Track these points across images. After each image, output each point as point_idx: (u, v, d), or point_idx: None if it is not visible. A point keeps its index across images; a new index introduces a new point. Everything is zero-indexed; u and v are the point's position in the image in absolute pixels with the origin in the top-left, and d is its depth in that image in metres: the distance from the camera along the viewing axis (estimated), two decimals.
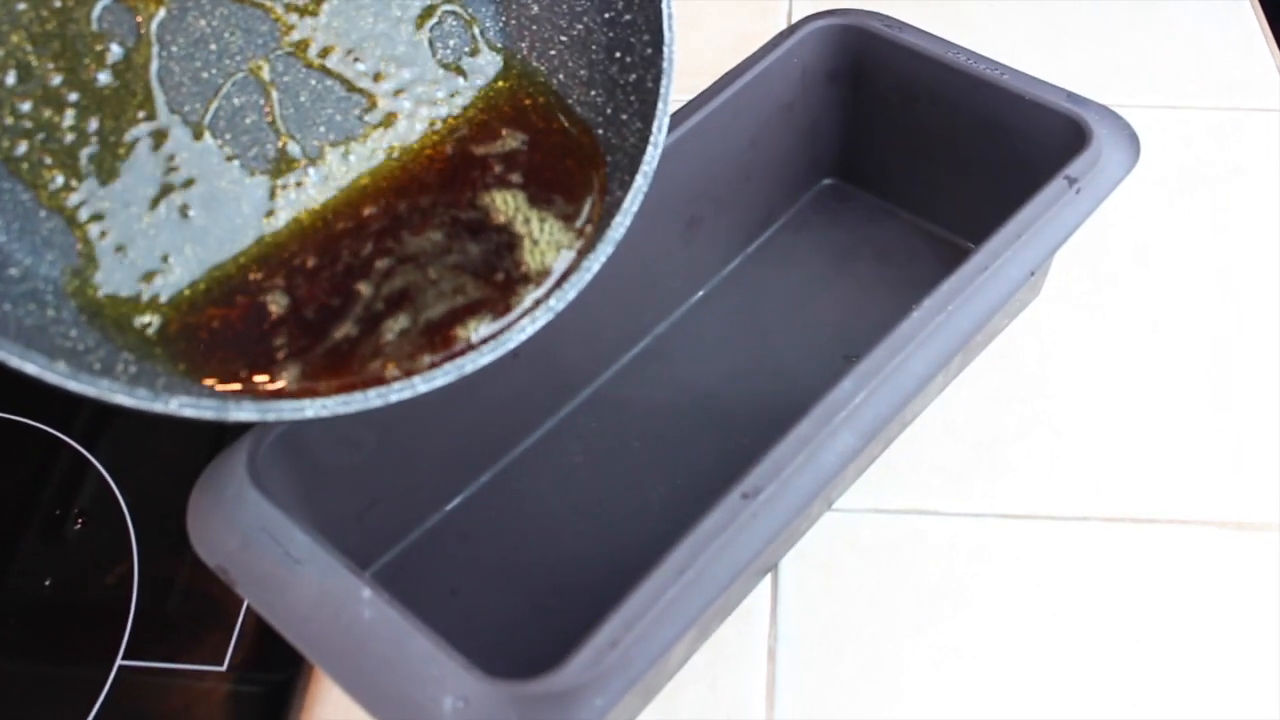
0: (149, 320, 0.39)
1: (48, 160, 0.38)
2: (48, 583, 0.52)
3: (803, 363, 0.59)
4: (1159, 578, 0.51)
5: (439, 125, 0.44)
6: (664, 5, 0.43)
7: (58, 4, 0.39)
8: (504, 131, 0.44)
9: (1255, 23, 0.77)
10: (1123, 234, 0.65)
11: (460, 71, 0.45)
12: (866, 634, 0.50)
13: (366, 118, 0.43)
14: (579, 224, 0.42)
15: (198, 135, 0.41)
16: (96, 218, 0.39)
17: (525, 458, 0.55)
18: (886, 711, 0.48)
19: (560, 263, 0.41)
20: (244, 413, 0.35)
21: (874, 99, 0.62)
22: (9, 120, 0.38)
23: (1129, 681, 0.48)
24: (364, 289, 0.40)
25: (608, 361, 0.59)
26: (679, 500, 0.54)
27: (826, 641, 0.50)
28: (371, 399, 0.37)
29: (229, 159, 0.41)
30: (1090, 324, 0.61)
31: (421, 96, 0.44)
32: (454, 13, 0.45)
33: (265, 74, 0.42)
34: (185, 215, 0.40)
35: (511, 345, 0.39)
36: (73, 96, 0.39)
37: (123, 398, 0.33)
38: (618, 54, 0.44)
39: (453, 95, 0.45)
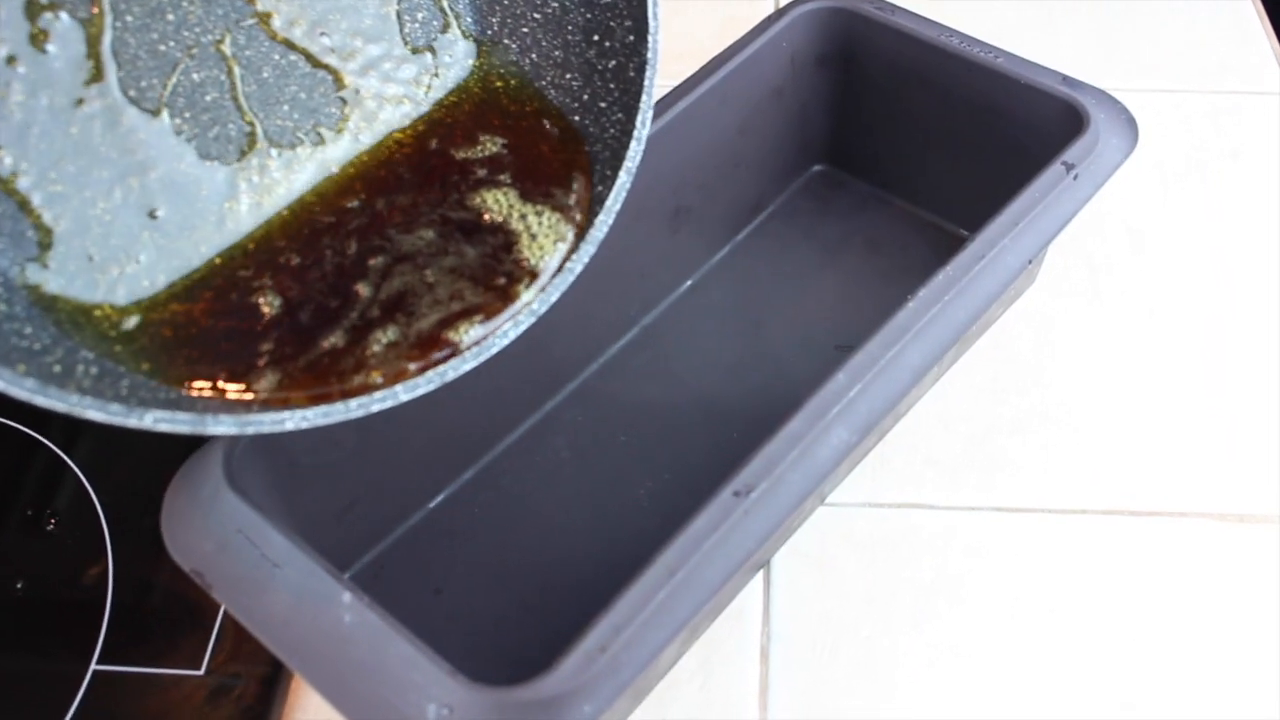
0: (107, 315, 0.37)
1: None
2: (20, 585, 0.51)
3: (793, 353, 0.58)
4: (1158, 572, 0.50)
5: (407, 107, 0.43)
6: None
7: None
8: (482, 136, 0.42)
9: (1251, 5, 0.76)
10: (1118, 220, 0.64)
11: (429, 50, 0.43)
12: (861, 632, 0.49)
13: (333, 95, 0.42)
14: (574, 215, 0.40)
15: (155, 114, 0.38)
16: (49, 203, 0.36)
17: (510, 453, 0.54)
18: (882, 710, 0.47)
19: (557, 259, 0.40)
20: (222, 426, 0.33)
21: (865, 83, 0.61)
22: None
23: (1128, 677, 0.47)
24: (363, 290, 0.38)
25: (594, 354, 0.57)
26: (668, 496, 0.52)
27: (820, 640, 0.49)
28: (353, 409, 0.35)
29: (189, 140, 0.39)
30: (1086, 312, 0.59)
31: (389, 74, 0.42)
32: None
33: (226, 48, 0.40)
34: (145, 200, 0.38)
35: (495, 350, 0.38)
36: (20, 70, 0.36)
37: (94, 413, 0.31)
38: (596, 37, 0.43)
39: (420, 74, 0.43)
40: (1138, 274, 0.61)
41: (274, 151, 0.40)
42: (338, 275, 0.39)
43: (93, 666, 0.48)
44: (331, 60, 0.42)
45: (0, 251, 0.36)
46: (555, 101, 0.43)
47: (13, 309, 0.35)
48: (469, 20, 0.44)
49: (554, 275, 0.39)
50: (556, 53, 0.44)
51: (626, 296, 0.58)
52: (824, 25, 0.59)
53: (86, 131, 0.37)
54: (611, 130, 0.42)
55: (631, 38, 0.42)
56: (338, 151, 0.42)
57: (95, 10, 0.37)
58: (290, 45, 0.41)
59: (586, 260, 0.39)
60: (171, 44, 0.39)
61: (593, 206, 0.40)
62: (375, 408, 0.35)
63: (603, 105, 0.42)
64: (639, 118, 0.41)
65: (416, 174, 0.41)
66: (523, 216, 0.40)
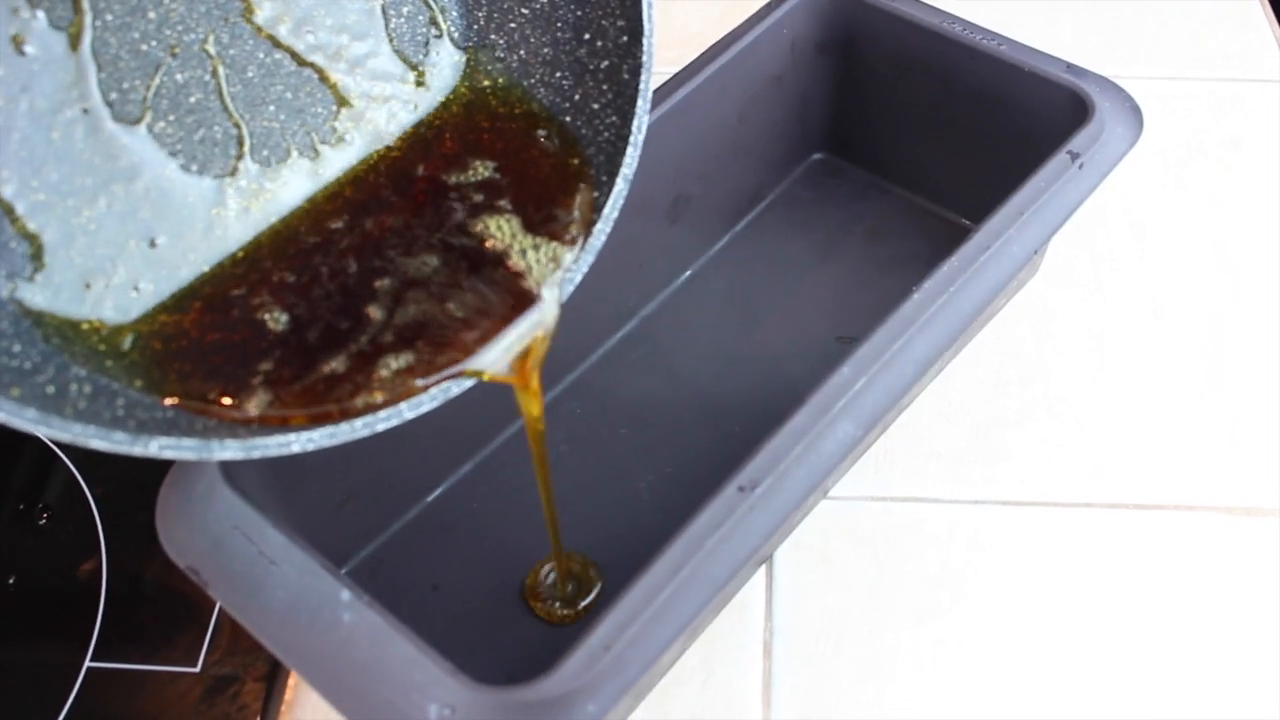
0: (95, 328, 0.35)
1: None
2: (11, 580, 0.50)
3: (794, 345, 0.57)
4: (1163, 566, 0.50)
5: (395, 106, 0.42)
6: None
7: None
8: (473, 160, 0.41)
9: None
10: (1119, 209, 0.63)
11: (415, 46, 0.42)
12: (865, 626, 0.48)
13: (319, 95, 0.41)
14: (576, 233, 0.39)
15: (139, 117, 0.37)
16: (32, 213, 0.35)
17: (508, 446, 0.54)
18: (887, 706, 0.46)
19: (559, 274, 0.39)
20: (228, 451, 0.32)
21: (866, 71, 0.61)
22: None
23: (1133, 672, 0.47)
24: (375, 314, 0.37)
25: (592, 346, 0.57)
26: (669, 489, 0.52)
27: (824, 635, 0.48)
28: (359, 429, 0.35)
29: (174, 143, 0.38)
30: (1089, 303, 0.59)
31: (376, 72, 0.41)
32: None
33: (210, 47, 0.39)
34: (130, 208, 0.37)
35: (502, 366, 0.37)
36: None
37: (99, 443, 0.30)
38: (587, 36, 0.42)
39: (407, 72, 0.42)
40: (1140, 263, 0.61)
41: (263, 153, 0.39)
42: (344, 295, 0.38)
43: (87, 663, 0.47)
44: (317, 59, 0.41)
45: None
46: (545, 101, 0.42)
47: None
48: (455, 14, 0.43)
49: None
50: (545, 50, 0.43)
51: (625, 288, 0.57)
52: (824, 11, 0.59)
53: (68, 137, 0.36)
54: (606, 134, 0.41)
55: (625, 38, 0.41)
56: (327, 156, 0.41)
57: (75, 10, 0.36)
58: (275, 43, 0.40)
59: (585, 270, 0.39)
60: (154, 43, 0.37)
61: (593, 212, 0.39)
62: (380, 427, 0.35)
63: (595, 107, 0.41)
64: (635, 123, 0.40)
65: (406, 195, 0.41)
66: (522, 251, 0.39)
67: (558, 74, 0.42)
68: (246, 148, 0.39)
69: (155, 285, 0.37)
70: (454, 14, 0.43)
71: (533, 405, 0.40)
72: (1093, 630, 0.48)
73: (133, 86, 0.37)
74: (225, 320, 0.37)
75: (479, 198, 0.40)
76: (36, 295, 0.35)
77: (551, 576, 0.50)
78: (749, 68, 0.57)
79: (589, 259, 0.39)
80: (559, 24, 0.42)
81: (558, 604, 0.49)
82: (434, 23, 0.43)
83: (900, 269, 0.60)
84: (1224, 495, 0.52)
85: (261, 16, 0.39)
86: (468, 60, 0.43)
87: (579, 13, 0.42)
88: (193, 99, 0.38)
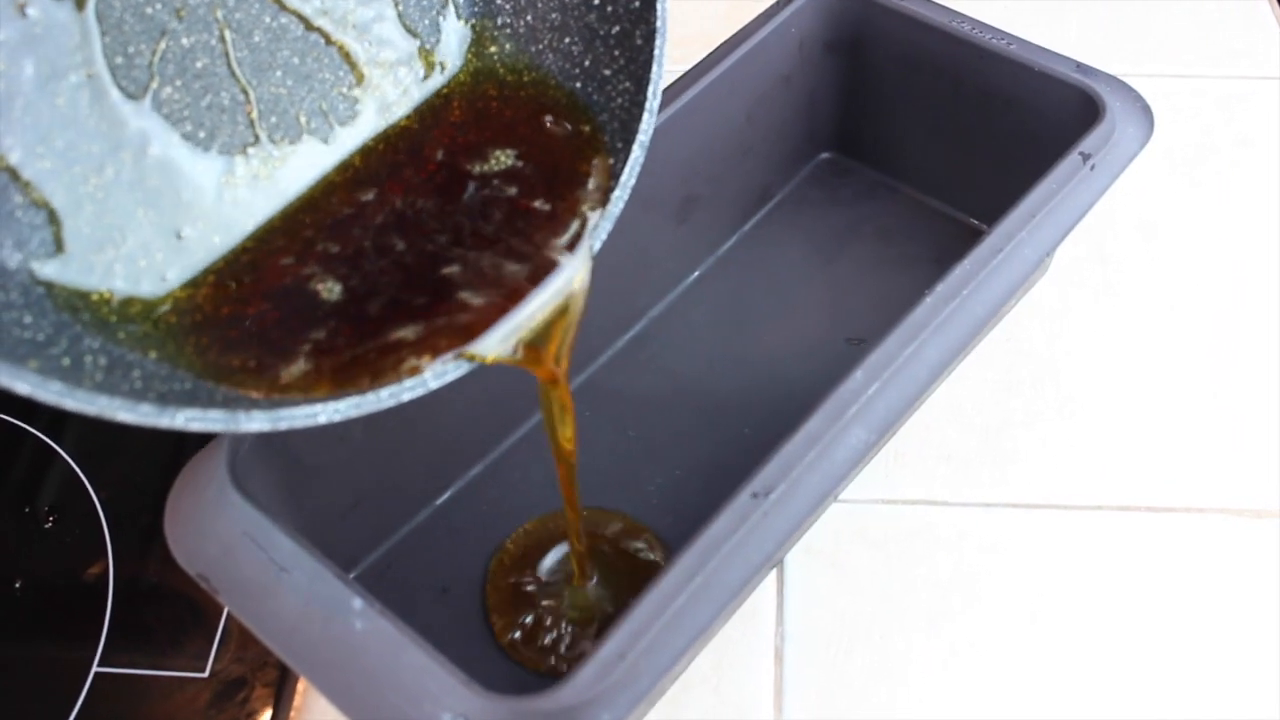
0: (105, 299, 0.35)
1: None
2: (18, 584, 0.50)
3: (803, 346, 0.57)
4: (1174, 568, 0.49)
5: (403, 73, 0.41)
6: None
7: None
8: (493, 150, 0.41)
9: None
10: (1128, 208, 0.63)
11: (423, 12, 0.42)
12: (876, 631, 0.48)
13: (325, 61, 0.40)
14: (590, 202, 0.39)
15: (145, 83, 0.36)
16: (39, 182, 0.34)
17: (517, 449, 0.53)
18: (899, 711, 0.46)
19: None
20: (254, 423, 0.32)
21: (874, 70, 0.60)
22: None
23: (1145, 675, 0.47)
24: (399, 286, 0.36)
25: (600, 348, 0.57)
26: (679, 492, 0.52)
27: (835, 640, 0.48)
28: (384, 399, 0.34)
29: (181, 110, 0.37)
30: (1099, 304, 0.59)
31: (383, 38, 0.41)
32: None
33: (217, 11, 0.38)
34: (138, 176, 0.36)
35: (523, 331, 0.36)
36: (0, 37, 0.34)
37: (125, 415, 0.30)
38: (595, 1, 0.41)
39: (413, 39, 0.41)
40: (1149, 264, 0.60)
41: (270, 119, 0.39)
42: (364, 268, 0.37)
43: (94, 668, 0.47)
44: (324, 23, 0.40)
45: None
46: (554, 68, 0.42)
47: (9, 296, 0.33)
48: None
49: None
50: (553, 15, 0.42)
51: (633, 289, 0.57)
52: (832, 11, 0.58)
53: (73, 103, 0.35)
54: (619, 100, 0.40)
55: (637, 4, 0.40)
56: (335, 125, 0.40)
57: None
58: (281, 6, 0.39)
59: (604, 237, 0.38)
60: (159, 6, 0.37)
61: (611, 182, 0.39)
62: (405, 397, 0.34)
63: (607, 73, 0.41)
64: (650, 89, 0.39)
65: (416, 167, 0.40)
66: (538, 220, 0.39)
67: (566, 40, 0.42)
68: (255, 114, 0.39)
69: (165, 255, 0.36)
70: None
71: (562, 396, 0.39)
72: (1105, 634, 0.48)
73: (138, 51, 0.36)
74: (241, 294, 0.36)
75: (492, 168, 0.40)
76: (45, 265, 0.34)
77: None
78: (757, 67, 0.56)
79: (608, 226, 0.38)
80: None
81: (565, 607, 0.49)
82: None
83: (909, 269, 0.60)
84: (1236, 497, 0.51)
85: None
86: (474, 26, 0.43)
87: None
88: (199, 64, 0.38)
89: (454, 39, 0.42)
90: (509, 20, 0.42)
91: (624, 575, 0.49)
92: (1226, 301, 0.59)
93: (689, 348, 0.57)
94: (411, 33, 0.42)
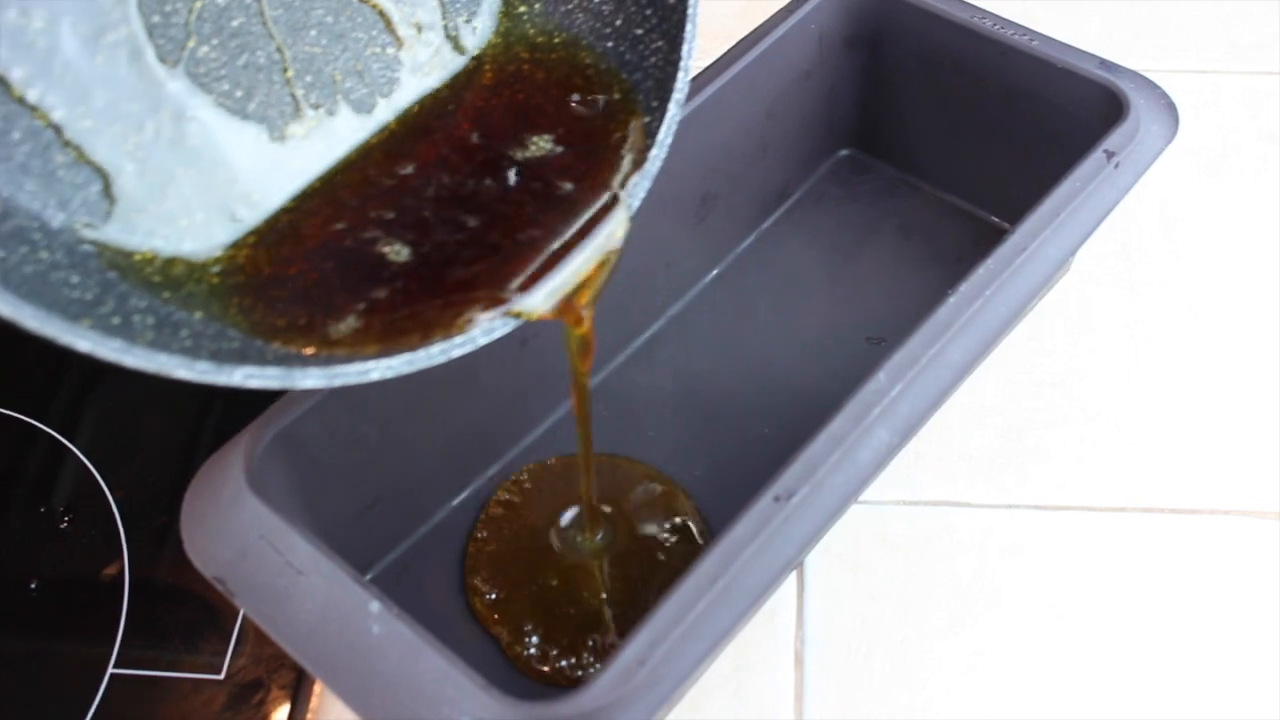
0: (148, 259, 0.35)
1: (17, 71, 0.33)
2: (33, 585, 0.50)
3: (823, 345, 0.56)
4: (1201, 571, 0.49)
5: (432, 35, 0.41)
6: None
7: None
8: (529, 113, 0.40)
9: None
10: (1152, 205, 0.62)
11: None
12: (897, 634, 0.48)
13: (359, 20, 0.40)
14: (627, 161, 0.39)
15: (182, 41, 0.36)
16: (81, 138, 0.34)
17: (534, 450, 0.53)
18: (919, 715, 0.46)
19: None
20: (310, 379, 0.32)
21: (894, 66, 0.60)
22: None
23: (1171, 679, 0.46)
24: (433, 244, 0.37)
25: (618, 348, 0.56)
26: (699, 493, 0.51)
27: (855, 643, 0.47)
28: (435, 356, 0.34)
29: (218, 69, 0.37)
30: (1122, 302, 0.58)
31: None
32: None
33: None
34: (178, 135, 0.36)
35: (567, 289, 0.36)
36: None
37: (183, 372, 0.30)
38: None
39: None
40: (1173, 262, 0.60)
41: (305, 79, 0.39)
42: (406, 225, 0.37)
43: (110, 670, 0.47)
44: None
45: (31, 194, 0.33)
46: (584, 28, 0.42)
47: (55, 256, 0.32)
48: None
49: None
50: None
51: (652, 287, 0.56)
52: (853, 6, 0.58)
53: (112, 61, 0.35)
54: (653, 59, 0.40)
55: None
56: (373, 88, 0.40)
57: None
58: None
59: (642, 195, 0.38)
60: None
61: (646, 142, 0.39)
62: (456, 353, 0.34)
63: (639, 32, 0.40)
64: (684, 47, 0.39)
65: (449, 130, 0.40)
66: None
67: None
68: (291, 74, 0.38)
69: (206, 215, 0.36)
70: None
71: (586, 336, 0.39)
72: (1129, 638, 0.47)
73: (174, 9, 0.36)
74: (283, 254, 0.37)
75: (528, 131, 0.40)
76: (88, 224, 0.34)
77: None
78: (777, 64, 0.56)
79: (646, 184, 0.38)
80: None
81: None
82: None
83: (929, 267, 0.59)
84: (1263, 499, 0.51)
85: None
86: None
87: None
88: (235, 23, 0.37)
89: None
90: None
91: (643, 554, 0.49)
92: (1252, 300, 0.58)
93: (707, 347, 0.57)
94: None
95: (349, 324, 0.35)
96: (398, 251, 0.37)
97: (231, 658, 0.47)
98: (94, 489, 0.53)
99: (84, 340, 0.29)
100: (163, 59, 0.36)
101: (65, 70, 0.34)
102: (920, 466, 0.52)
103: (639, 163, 0.38)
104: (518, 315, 0.35)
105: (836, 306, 0.58)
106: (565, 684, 0.46)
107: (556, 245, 0.37)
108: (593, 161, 0.39)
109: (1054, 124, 0.54)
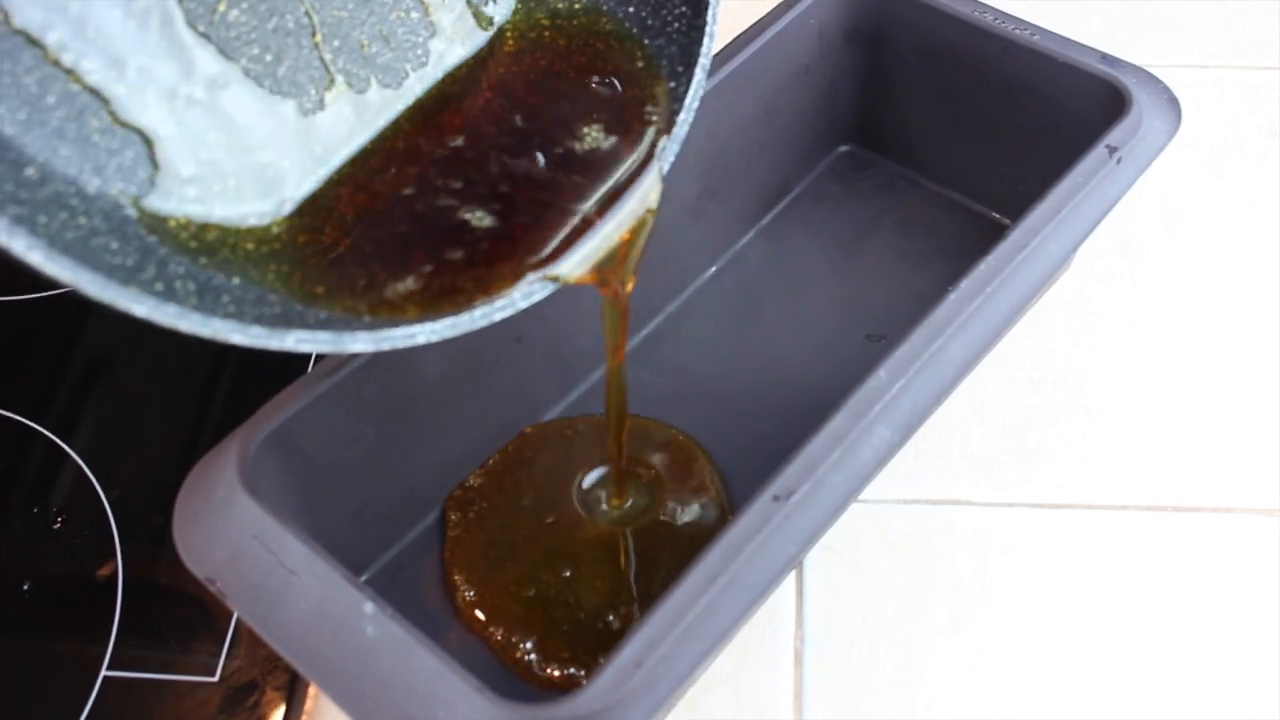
0: (183, 224, 0.35)
1: (52, 35, 0.33)
2: (26, 586, 0.49)
3: (822, 343, 0.56)
4: (1204, 570, 0.48)
5: (456, 5, 0.41)
6: None
7: None
8: (554, 82, 0.40)
9: None
10: (1153, 201, 0.62)
11: None
12: (898, 633, 0.47)
13: None
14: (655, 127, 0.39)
15: (212, 6, 0.36)
16: (117, 103, 0.34)
17: None
18: (920, 715, 0.45)
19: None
20: (359, 343, 0.33)
21: (895, 61, 0.59)
22: None
23: (1173, 677, 0.46)
24: (467, 214, 0.37)
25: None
26: None
27: (856, 642, 0.47)
28: (477, 319, 0.35)
29: (249, 34, 0.37)
30: (1123, 299, 0.58)
31: None
32: None
33: None
34: (209, 99, 0.36)
35: (601, 254, 0.37)
36: None
37: (237, 337, 0.31)
38: None
39: None
40: (1175, 258, 0.59)
41: (334, 43, 0.38)
42: (437, 192, 0.38)
43: (103, 672, 0.46)
44: None
45: (66, 159, 0.33)
46: None
47: (93, 221, 0.32)
48: None
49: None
50: None
51: (650, 285, 0.56)
52: (852, 0, 0.57)
53: (144, 25, 0.34)
54: (676, 25, 0.40)
55: None
56: (400, 54, 0.40)
57: None
58: None
59: (672, 159, 0.39)
60: None
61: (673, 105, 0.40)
62: (497, 316, 0.35)
63: None
64: (709, 12, 0.39)
65: (473, 100, 0.40)
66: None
67: None
68: (319, 39, 0.38)
69: (239, 181, 0.36)
70: None
71: (623, 307, 0.41)
72: (1131, 636, 0.47)
73: None
74: (316, 222, 0.37)
75: (553, 100, 0.40)
76: (125, 190, 0.34)
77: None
78: (776, 58, 0.55)
79: (675, 148, 0.39)
80: None
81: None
82: None
83: (929, 263, 0.58)
84: (1267, 497, 0.50)
85: None
86: None
87: None
88: None
89: None
90: None
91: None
92: (1254, 296, 0.57)
93: (705, 344, 0.56)
94: None
95: (404, 287, 0.35)
96: (422, 211, 0.37)
97: (226, 659, 0.47)
98: (88, 489, 0.52)
99: (141, 305, 0.29)
100: (193, 23, 0.35)
101: (98, 34, 0.34)
102: (921, 464, 0.52)
103: (665, 128, 0.39)
104: (555, 279, 0.36)
105: (836, 303, 0.58)
106: (557, 667, 0.46)
107: (590, 209, 0.38)
108: (621, 128, 0.39)
109: (1055, 119, 0.54)
